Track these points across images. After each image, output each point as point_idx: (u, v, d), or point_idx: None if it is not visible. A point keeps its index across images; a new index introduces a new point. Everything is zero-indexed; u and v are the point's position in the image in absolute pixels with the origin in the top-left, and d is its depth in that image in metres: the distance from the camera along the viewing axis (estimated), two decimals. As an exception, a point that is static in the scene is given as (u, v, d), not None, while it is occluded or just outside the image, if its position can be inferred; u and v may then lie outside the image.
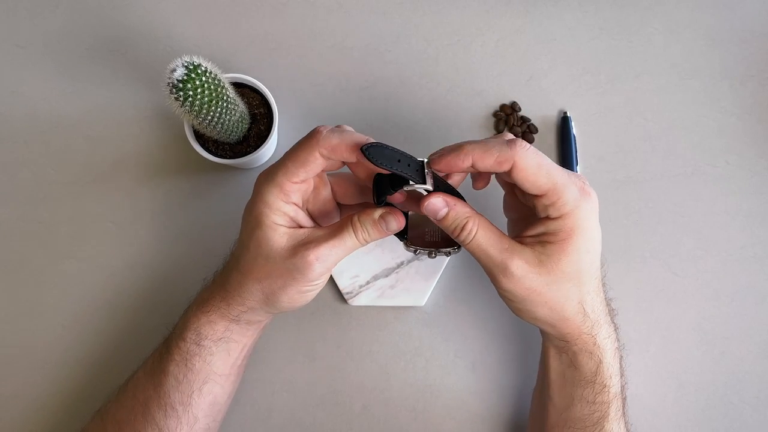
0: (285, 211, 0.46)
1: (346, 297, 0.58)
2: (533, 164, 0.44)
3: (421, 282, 0.58)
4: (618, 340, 0.51)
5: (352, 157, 0.44)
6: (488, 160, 0.45)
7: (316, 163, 0.45)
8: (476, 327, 0.59)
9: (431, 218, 0.48)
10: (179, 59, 0.46)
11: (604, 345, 0.49)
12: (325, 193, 0.50)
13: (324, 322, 0.59)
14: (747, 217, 0.60)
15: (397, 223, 0.47)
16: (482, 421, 0.58)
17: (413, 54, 0.62)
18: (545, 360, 0.52)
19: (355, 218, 0.46)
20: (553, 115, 0.62)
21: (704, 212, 0.61)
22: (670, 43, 0.63)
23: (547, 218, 0.47)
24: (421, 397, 0.58)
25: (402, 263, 0.58)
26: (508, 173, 0.45)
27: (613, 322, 0.51)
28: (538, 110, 0.62)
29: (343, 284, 0.58)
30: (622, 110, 0.62)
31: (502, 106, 0.61)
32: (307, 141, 0.45)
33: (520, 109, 0.61)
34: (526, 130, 0.61)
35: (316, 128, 0.45)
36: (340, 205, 0.52)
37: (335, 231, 0.46)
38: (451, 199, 0.47)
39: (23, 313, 0.59)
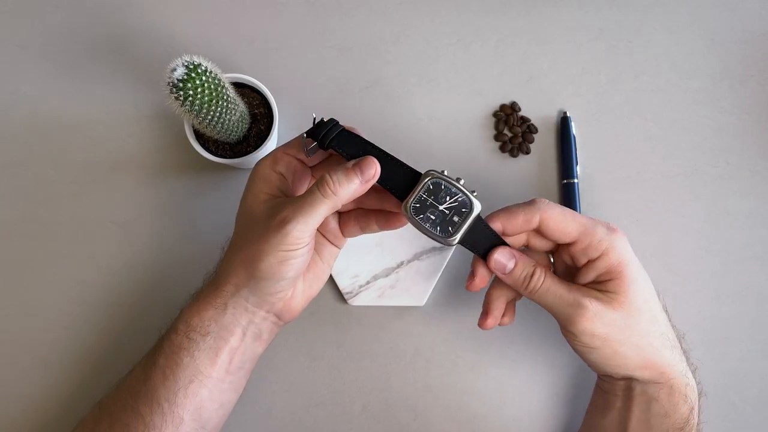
0: (270, 179, 0.47)
1: (346, 297, 0.58)
2: (558, 213, 0.47)
3: (421, 282, 0.58)
4: (699, 384, 0.50)
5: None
6: (516, 221, 0.47)
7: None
8: (476, 327, 0.59)
9: (498, 274, 0.48)
10: (179, 59, 0.46)
11: (694, 387, 0.48)
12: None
13: (324, 322, 0.59)
14: (747, 217, 0.60)
15: (374, 168, 0.44)
16: (482, 421, 0.58)
17: (413, 54, 0.62)
18: (626, 410, 0.49)
19: (325, 174, 0.44)
20: (553, 115, 0.62)
21: (704, 212, 0.61)
22: (670, 44, 0.63)
23: (589, 262, 0.47)
24: (421, 397, 0.58)
25: (402, 263, 0.58)
26: (538, 229, 0.47)
27: (691, 362, 0.50)
28: (538, 110, 0.62)
29: (343, 284, 0.58)
30: (622, 110, 0.62)
31: (502, 106, 0.61)
32: None
33: (520, 109, 0.61)
34: (526, 130, 0.61)
35: None
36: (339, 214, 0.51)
37: (306, 192, 0.45)
38: (516, 252, 0.48)
39: (23, 313, 0.59)
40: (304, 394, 0.58)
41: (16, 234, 0.59)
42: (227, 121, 0.51)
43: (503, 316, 0.51)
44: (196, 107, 0.47)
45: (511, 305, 0.52)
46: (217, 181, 0.60)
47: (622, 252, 0.47)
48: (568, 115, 0.61)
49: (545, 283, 0.47)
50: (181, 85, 0.45)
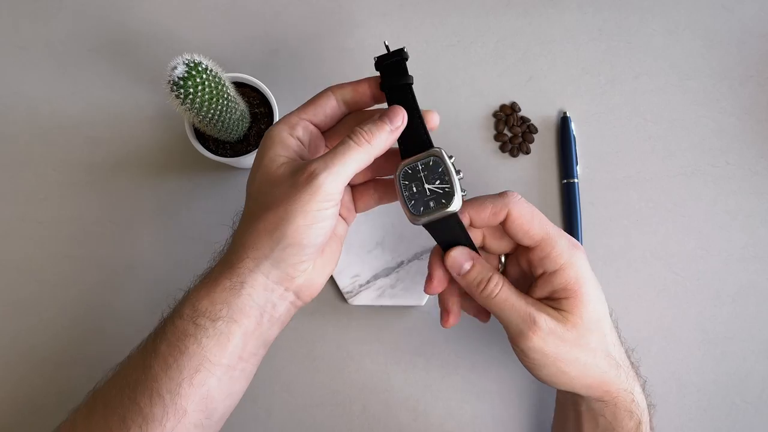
0: (288, 143, 0.44)
1: (346, 297, 0.58)
2: (527, 213, 0.45)
3: (421, 282, 0.58)
4: (648, 396, 0.49)
5: (365, 89, 0.45)
6: (484, 213, 0.45)
7: (328, 100, 0.46)
8: (476, 327, 0.59)
9: (453, 273, 0.46)
10: (180, 57, 0.46)
11: (641, 402, 0.48)
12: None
13: (324, 322, 0.59)
14: (747, 217, 0.60)
15: (401, 117, 0.44)
16: (482, 421, 0.58)
17: (413, 54, 0.62)
18: (577, 425, 0.49)
19: (356, 127, 0.43)
20: (553, 115, 0.62)
21: (704, 212, 0.61)
22: (670, 44, 0.63)
23: (545, 274, 0.46)
24: (421, 397, 0.58)
25: (402, 263, 0.58)
26: (503, 224, 0.46)
27: (640, 376, 0.50)
28: (538, 110, 0.62)
29: (343, 284, 0.58)
30: (622, 110, 0.62)
31: (502, 106, 0.61)
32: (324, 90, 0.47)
33: (520, 110, 0.61)
34: (526, 131, 0.61)
35: None
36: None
37: (337, 145, 0.43)
38: (475, 254, 0.46)
39: (23, 313, 0.58)
40: (304, 394, 0.58)
41: (16, 234, 0.59)
42: (228, 120, 0.51)
43: (480, 313, 0.50)
44: (197, 105, 0.47)
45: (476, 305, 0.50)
46: (217, 180, 0.60)
47: (580, 269, 0.45)
48: (568, 115, 0.61)
49: (502, 293, 0.45)
50: (181, 83, 0.46)
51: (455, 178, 0.45)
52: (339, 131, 0.48)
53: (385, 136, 0.43)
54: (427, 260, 0.58)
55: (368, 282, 0.58)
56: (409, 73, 0.46)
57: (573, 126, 0.61)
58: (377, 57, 0.46)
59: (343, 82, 0.47)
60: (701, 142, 0.61)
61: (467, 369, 0.58)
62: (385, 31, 0.63)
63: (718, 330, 0.59)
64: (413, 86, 0.46)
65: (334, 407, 0.58)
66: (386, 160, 0.47)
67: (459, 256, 0.46)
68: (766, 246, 0.60)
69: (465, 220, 0.46)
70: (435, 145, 0.46)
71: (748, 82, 0.62)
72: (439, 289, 0.48)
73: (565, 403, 0.52)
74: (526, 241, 0.46)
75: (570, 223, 0.59)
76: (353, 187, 0.49)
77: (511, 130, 0.61)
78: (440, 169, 0.45)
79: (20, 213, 0.60)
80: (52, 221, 0.60)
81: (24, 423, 0.57)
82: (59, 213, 0.60)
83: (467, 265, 0.45)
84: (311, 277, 0.45)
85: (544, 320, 0.44)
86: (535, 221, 0.45)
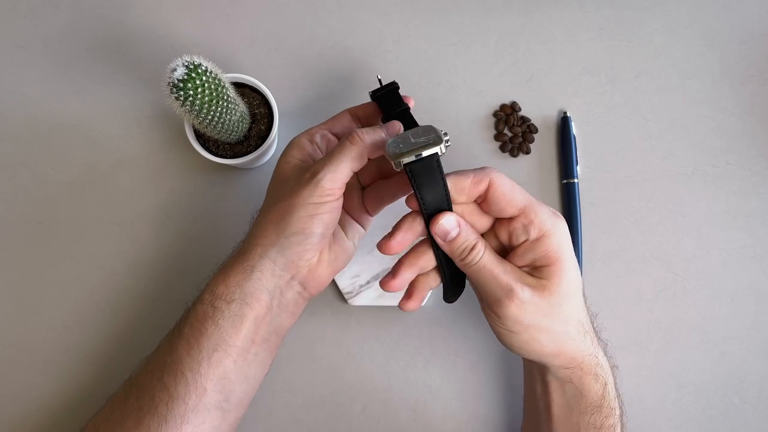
0: (304, 147, 0.50)
1: (346, 297, 0.58)
2: (507, 183, 0.45)
3: (421, 282, 0.58)
4: (610, 358, 0.50)
5: (375, 108, 0.52)
6: (465, 183, 0.45)
7: (345, 116, 0.53)
8: (476, 327, 0.59)
9: (439, 239, 0.45)
10: (179, 59, 0.46)
11: (605, 365, 0.49)
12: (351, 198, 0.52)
13: (324, 322, 0.59)
14: (747, 217, 0.60)
15: (399, 126, 0.48)
16: (482, 421, 0.58)
17: (413, 54, 0.62)
18: (545, 396, 0.50)
19: (354, 130, 0.47)
20: (553, 115, 0.62)
21: (704, 212, 0.61)
22: (670, 43, 0.63)
23: (526, 242, 0.46)
24: (421, 397, 0.58)
25: (402, 263, 0.58)
26: (485, 195, 0.45)
27: (601, 339, 0.51)
28: (538, 110, 0.62)
29: (343, 284, 0.58)
30: (622, 110, 0.62)
31: (502, 106, 0.61)
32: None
33: (520, 109, 0.61)
34: (526, 130, 0.61)
35: None
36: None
37: (337, 145, 0.47)
38: (461, 220, 0.46)
39: (23, 313, 0.59)
40: (304, 394, 0.58)
41: (16, 234, 0.59)
42: (227, 121, 0.51)
43: (411, 298, 0.49)
44: (197, 107, 0.47)
45: (420, 285, 0.49)
46: (217, 181, 0.60)
47: (562, 238, 0.46)
48: (568, 115, 0.61)
49: (483, 259, 0.45)
50: (181, 85, 0.45)
51: (441, 134, 0.44)
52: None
53: (378, 137, 0.47)
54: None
55: (368, 282, 0.58)
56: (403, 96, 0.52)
57: (573, 126, 0.61)
58: (372, 91, 0.53)
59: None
60: (701, 142, 0.61)
61: (467, 369, 0.59)
62: (385, 30, 0.62)
63: (717, 330, 0.59)
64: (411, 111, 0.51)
65: (334, 407, 0.58)
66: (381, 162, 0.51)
67: (446, 222, 0.45)
68: (766, 246, 0.60)
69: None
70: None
71: (749, 82, 0.62)
72: (397, 249, 0.47)
73: (532, 375, 0.52)
74: (509, 210, 0.45)
75: (570, 223, 0.59)
76: (363, 190, 0.53)
77: (511, 129, 0.61)
78: (428, 130, 0.45)
79: (20, 213, 0.60)
80: (52, 221, 0.60)
81: (25, 423, 0.57)
82: (59, 213, 0.60)
83: (454, 232, 0.45)
84: (316, 270, 0.48)
85: (522, 289, 0.45)
86: (516, 189, 0.46)
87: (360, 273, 0.58)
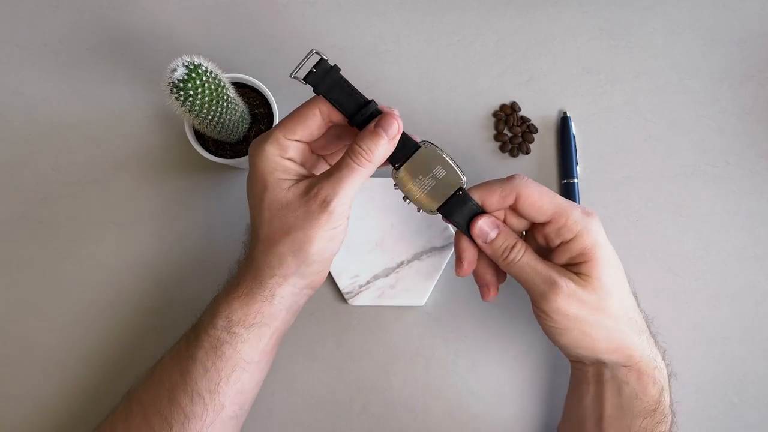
0: (286, 166, 0.46)
1: (346, 297, 0.58)
2: (535, 192, 0.47)
3: (421, 282, 0.58)
4: (668, 365, 0.50)
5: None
6: (493, 197, 0.47)
7: (314, 119, 0.46)
8: (476, 327, 0.59)
9: (479, 241, 0.48)
10: (180, 59, 0.46)
11: (662, 369, 0.49)
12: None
13: (324, 322, 0.59)
14: (747, 217, 0.60)
15: (396, 125, 0.46)
16: (482, 421, 0.58)
17: (413, 54, 0.62)
18: (598, 396, 0.49)
19: (352, 143, 0.45)
20: (553, 115, 0.62)
21: (704, 212, 0.61)
22: (670, 43, 0.63)
23: (562, 244, 0.47)
24: (421, 397, 0.58)
25: (402, 263, 0.58)
26: (514, 206, 0.48)
27: (659, 345, 0.50)
28: (538, 110, 0.62)
29: (343, 284, 0.58)
30: (622, 110, 0.62)
31: (502, 106, 0.61)
32: (308, 100, 0.47)
33: (520, 109, 0.61)
34: (526, 130, 0.61)
35: None
36: None
37: (338, 163, 0.46)
38: (500, 222, 0.48)
39: (23, 314, 0.59)
40: (304, 394, 0.58)
41: (16, 234, 0.59)
42: (227, 121, 0.51)
43: (491, 285, 0.51)
44: (197, 107, 0.47)
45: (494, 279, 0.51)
46: (217, 181, 0.60)
47: (596, 235, 0.47)
48: (568, 115, 0.61)
49: (524, 257, 0.47)
50: (181, 85, 0.45)
51: (449, 159, 0.47)
52: (330, 140, 0.50)
53: (383, 149, 0.46)
54: (427, 260, 0.58)
55: (368, 282, 0.58)
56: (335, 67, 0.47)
57: (573, 126, 0.61)
58: (304, 76, 0.47)
59: None
60: (701, 142, 0.61)
61: (467, 369, 0.59)
62: (385, 30, 0.62)
63: (717, 330, 0.59)
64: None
65: (334, 407, 0.58)
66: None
67: (484, 224, 0.48)
68: (766, 246, 0.60)
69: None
70: (418, 140, 0.48)
71: (749, 82, 0.62)
72: (469, 270, 0.50)
73: (585, 376, 0.51)
74: (539, 218, 0.47)
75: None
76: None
77: (511, 130, 0.61)
78: (435, 159, 0.47)
79: (20, 213, 0.60)
80: (52, 221, 0.60)
81: (24, 423, 0.57)
82: (59, 213, 0.60)
83: (493, 233, 0.48)
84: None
85: (565, 282, 0.45)
86: (545, 198, 0.47)
87: (360, 273, 0.58)
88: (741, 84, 0.62)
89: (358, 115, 0.46)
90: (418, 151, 0.47)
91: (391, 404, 0.58)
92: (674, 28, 0.63)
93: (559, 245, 0.48)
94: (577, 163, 0.60)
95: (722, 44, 0.63)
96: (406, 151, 0.47)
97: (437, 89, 0.62)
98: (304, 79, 0.46)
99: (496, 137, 0.61)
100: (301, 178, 0.47)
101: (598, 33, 0.63)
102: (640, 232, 0.60)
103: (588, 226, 0.47)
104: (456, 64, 0.62)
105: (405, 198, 0.49)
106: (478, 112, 0.62)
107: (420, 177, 0.48)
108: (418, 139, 0.48)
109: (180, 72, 0.45)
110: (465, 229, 0.49)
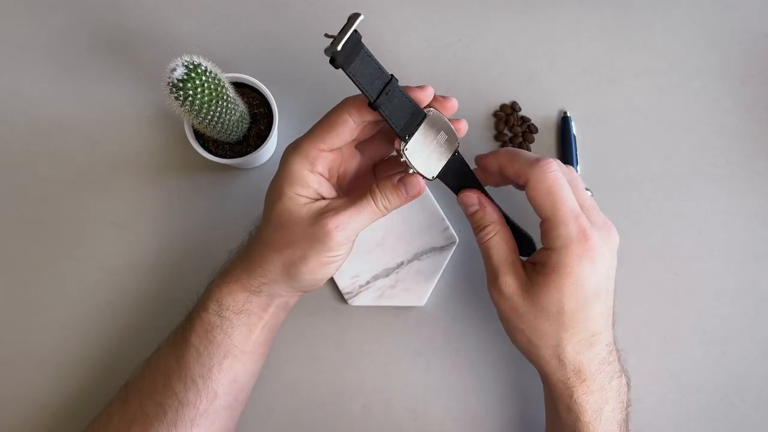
0: (308, 182, 0.46)
1: (346, 297, 0.58)
2: (543, 188, 0.46)
3: (421, 282, 0.58)
4: (621, 407, 0.49)
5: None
6: (510, 169, 0.49)
7: (345, 126, 0.45)
8: (476, 327, 0.59)
9: (463, 209, 0.51)
10: (179, 59, 0.46)
11: (584, 404, 0.47)
12: (354, 166, 0.51)
13: (324, 322, 0.59)
14: (747, 217, 0.60)
15: (417, 187, 0.47)
16: (482, 421, 0.58)
17: (413, 54, 0.62)
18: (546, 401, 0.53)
19: (374, 186, 0.47)
20: (553, 115, 0.62)
21: (704, 212, 0.61)
22: (670, 43, 0.63)
23: (543, 248, 0.48)
24: (421, 398, 0.58)
25: (402, 263, 0.58)
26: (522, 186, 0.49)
27: (615, 384, 0.49)
28: (538, 110, 0.62)
29: (343, 284, 0.58)
30: (622, 110, 0.62)
31: (502, 106, 0.61)
32: (337, 106, 0.46)
33: (520, 109, 0.61)
34: (526, 130, 0.61)
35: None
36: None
37: (355, 199, 0.47)
38: (485, 200, 0.50)
39: (23, 314, 0.59)
40: (304, 394, 0.58)
41: (16, 234, 0.59)
42: (227, 121, 0.51)
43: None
44: (196, 107, 0.47)
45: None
46: (217, 181, 0.60)
47: (565, 258, 0.45)
48: (568, 115, 0.61)
49: (491, 240, 0.49)
50: (181, 85, 0.45)
51: (449, 123, 0.48)
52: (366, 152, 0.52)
53: (398, 203, 0.48)
54: (427, 261, 0.58)
55: (368, 282, 0.58)
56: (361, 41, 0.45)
57: (573, 126, 0.61)
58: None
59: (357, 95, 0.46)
60: (701, 142, 0.61)
61: (467, 369, 0.59)
62: (385, 30, 0.62)
63: (718, 330, 0.59)
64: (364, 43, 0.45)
65: (334, 407, 0.58)
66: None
67: (467, 198, 0.50)
68: (766, 246, 0.60)
69: (496, 164, 0.50)
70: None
71: (750, 82, 0.62)
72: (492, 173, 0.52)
73: (548, 391, 0.52)
74: (537, 213, 0.48)
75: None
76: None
77: (512, 129, 0.61)
78: (438, 124, 0.48)
79: (20, 213, 0.60)
80: (52, 221, 0.60)
81: (24, 423, 0.57)
82: (59, 213, 0.60)
83: (473, 208, 0.50)
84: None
85: (505, 282, 0.48)
86: (548, 199, 0.46)
87: (360, 273, 0.58)
88: (741, 83, 0.62)
89: (380, 96, 0.44)
90: (425, 120, 0.47)
91: (391, 404, 0.58)
92: (674, 28, 0.63)
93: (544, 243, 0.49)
94: (577, 163, 0.60)
95: (722, 44, 0.63)
96: (415, 120, 0.46)
97: (437, 89, 0.61)
98: (337, 53, 0.43)
99: (497, 137, 0.61)
100: (319, 197, 0.47)
101: (599, 33, 0.63)
102: (640, 232, 0.60)
103: (564, 249, 0.45)
104: (456, 64, 0.62)
105: (409, 168, 0.47)
106: (478, 112, 0.62)
107: (426, 144, 0.47)
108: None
109: (179, 72, 0.45)
110: (455, 192, 0.52)
